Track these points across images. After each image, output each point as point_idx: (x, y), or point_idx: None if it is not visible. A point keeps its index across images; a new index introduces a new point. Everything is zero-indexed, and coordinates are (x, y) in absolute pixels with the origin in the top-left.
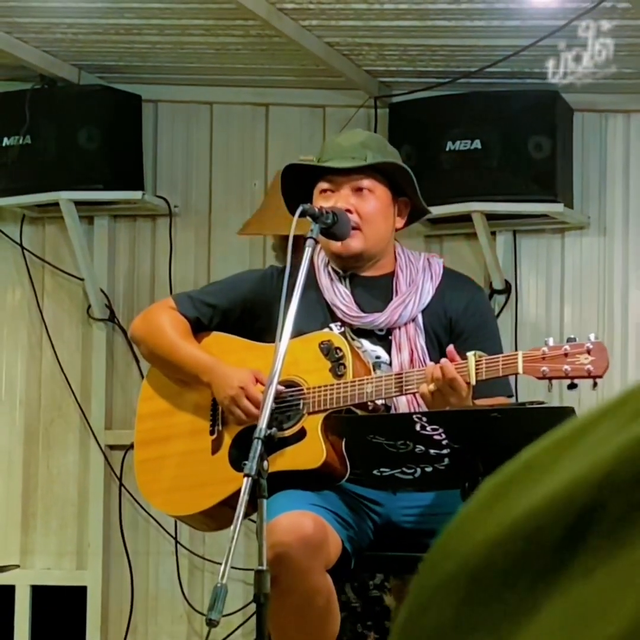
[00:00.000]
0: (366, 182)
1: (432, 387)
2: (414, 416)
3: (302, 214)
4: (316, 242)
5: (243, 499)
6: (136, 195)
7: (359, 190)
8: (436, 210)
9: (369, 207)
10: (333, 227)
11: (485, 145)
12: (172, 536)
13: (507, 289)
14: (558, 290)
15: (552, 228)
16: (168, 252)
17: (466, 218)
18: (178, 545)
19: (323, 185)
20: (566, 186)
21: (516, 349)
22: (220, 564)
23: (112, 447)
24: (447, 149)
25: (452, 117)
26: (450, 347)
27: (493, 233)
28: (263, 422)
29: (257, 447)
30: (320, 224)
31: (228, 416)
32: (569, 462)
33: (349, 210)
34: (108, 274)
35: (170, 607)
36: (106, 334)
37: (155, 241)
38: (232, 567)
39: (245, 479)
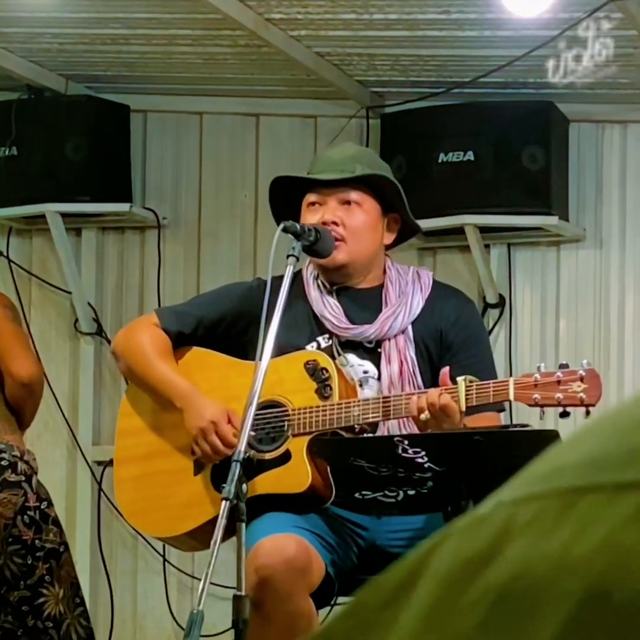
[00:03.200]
0: (354, 195)
1: (423, 416)
2: (395, 439)
3: (284, 231)
4: (297, 259)
5: (220, 522)
6: (124, 207)
7: (346, 202)
8: (429, 223)
9: (356, 220)
10: (315, 244)
11: (478, 157)
12: (160, 554)
13: (501, 303)
14: (553, 304)
15: (547, 241)
16: (157, 265)
17: (459, 231)
18: (166, 564)
19: (311, 197)
20: (561, 198)
21: (510, 365)
22: (211, 583)
23: (99, 463)
24: (440, 160)
25: (445, 127)
26: (445, 370)
27: (487, 246)
28: (242, 444)
29: (235, 470)
30: (302, 241)
31: (195, 449)
32: None
33: (335, 223)
34: (96, 287)
35: (159, 626)
36: (94, 348)
37: (144, 254)
38: (222, 586)
39: (223, 502)
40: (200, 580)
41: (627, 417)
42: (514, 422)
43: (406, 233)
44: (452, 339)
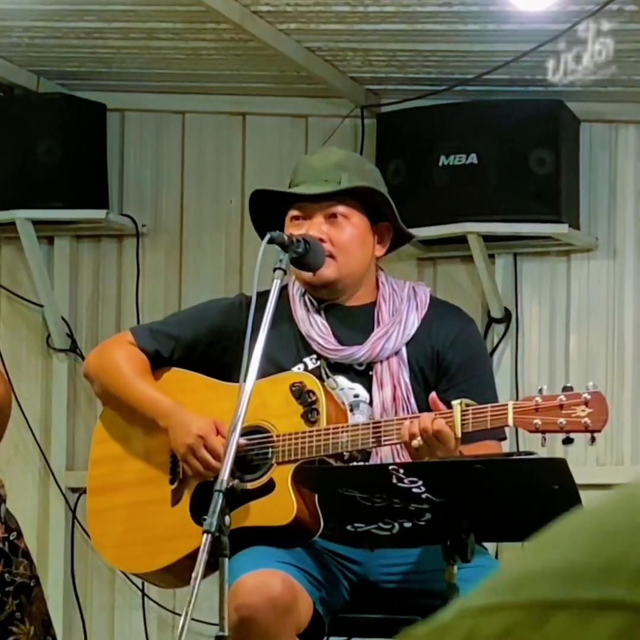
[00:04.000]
0: (340, 209)
1: (416, 443)
2: (390, 468)
3: (270, 242)
4: (285, 272)
5: (201, 557)
6: (100, 213)
7: (332, 216)
8: (429, 231)
9: (344, 235)
10: (305, 256)
11: (482, 160)
12: (139, 588)
13: (506, 318)
14: (563, 319)
15: (556, 250)
16: (135, 276)
17: (462, 240)
18: (146, 599)
19: (294, 212)
20: (572, 204)
21: (516, 385)
22: (194, 620)
23: (74, 490)
24: (441, 163)
25: (446, 128)
26: (432, 395)
27: (491, 256)
28: (225, 473)
29: (217, 500)
30: (290, 253)
31: (186, 469)
32: None
33: (321, 239)
34: (70, 300)
35: None
36: (68, 365)
37: (122, 264)
38: (206, 623)
39: (205, 535)
40: (181, 616)
41: (607, 523)
42: (522, 449)
43: (399, 241)
44: (450, 361)
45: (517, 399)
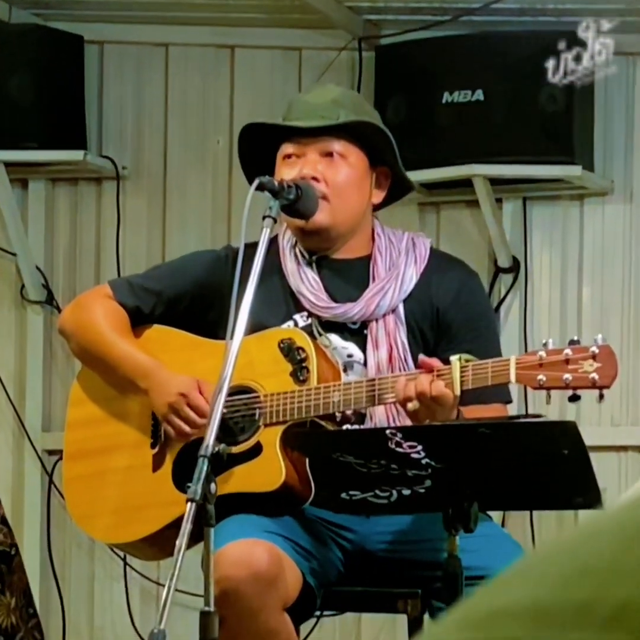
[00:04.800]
0: (337, 146)
1: (411, 406)
2: (388, 431)
3: (259, 188)
4: (275, 221)
5: (185, 528)
6: (77, 154)
7: (328, 154)
8: (431, 174)
9: (340, 174)
10: (296, 203)
11: (488, 97)
12: (121, 558)
13: (514, 267)
14: (575, 268)
15: (568, 194)
16: (115, 222)
17: (467, 183)
18: (128, 569)
19: (287, 148)
20: (585, 144)
21: (525, 339)
22: (180, 591)
23: (50, 453)
24: (444, 100)
25: (450, 62)
26: (421, 357)
27: (499, 200)
28: (210, 437)
29: (202, 467)
30: (281, 200)
31: (168, 430)
32: None
33: (315, 178)
34: (45, 248)
35: None
36: (43, 318)
37: (101, 209)
38: (192, 594)
39: (189, 504)
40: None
41: (578, 559)
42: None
43: (397, 191)
44: (451, 319)
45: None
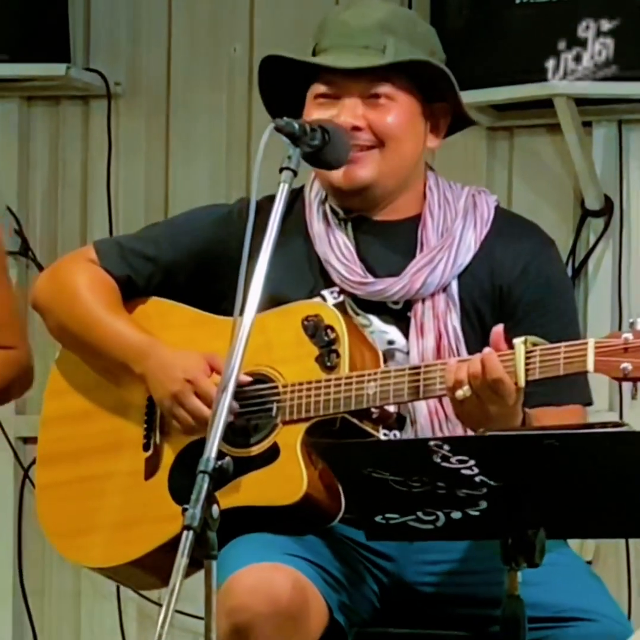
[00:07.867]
0: (384, 88)
1: (460, 393)
2: (431, 443)
3: (277, 131)
4: (295, 174)
5: (180, 561)
6: (59, 68)
7: (373, 96)
8: (503, 93)
9: (388, 121)
10: (322, 150)
11: None
12: None
13: (607, 210)
14: None
15: None
16: (106, 151)
17: (547, 103)
18: (121, 586)
19: (319, 88)
20: None
21: (619, 303)
22: (181, 613)
23: (25, 440)
24: (518, 1)
25: None
26: (498, 328)
27: (587, 125)
28: (212, 448)
29: (202, 485)
30: (303, 146)
31: (171, 423)
32: None
33: (357, 128)
34: (19, 183)
35: None
36: (17, 273)
37: (88, 134)
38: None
39: (185, 532)
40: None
41: None
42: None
43: (455, 126)
44: (517, 299)
45: (619, 323)
